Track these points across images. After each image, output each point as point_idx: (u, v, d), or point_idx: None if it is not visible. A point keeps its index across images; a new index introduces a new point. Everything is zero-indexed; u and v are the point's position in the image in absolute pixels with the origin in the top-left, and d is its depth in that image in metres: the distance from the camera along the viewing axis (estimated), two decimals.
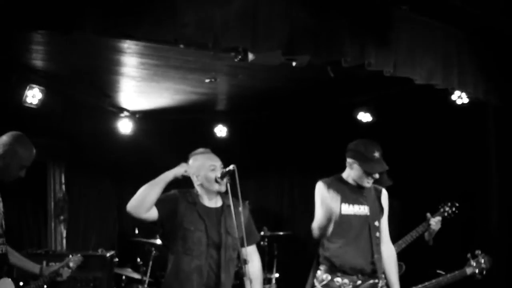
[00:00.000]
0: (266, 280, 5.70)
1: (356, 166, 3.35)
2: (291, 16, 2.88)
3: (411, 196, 4.70)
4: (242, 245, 2.98)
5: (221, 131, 6.70)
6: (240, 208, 3.04)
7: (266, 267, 5.76)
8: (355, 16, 3.12)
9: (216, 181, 3.14)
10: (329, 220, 3.25)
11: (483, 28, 3.74)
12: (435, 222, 3.98)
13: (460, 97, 4.66)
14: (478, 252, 3.71)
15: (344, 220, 3.33)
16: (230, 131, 6.71)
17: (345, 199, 3.35)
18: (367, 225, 3.37)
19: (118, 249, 6.10)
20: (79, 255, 3.62)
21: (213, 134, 6.67)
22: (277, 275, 5.75)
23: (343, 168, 3.49)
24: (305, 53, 2.95)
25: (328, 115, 6.02)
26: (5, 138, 3.05)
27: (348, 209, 3.36)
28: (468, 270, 3.64)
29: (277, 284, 5.72)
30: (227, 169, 3.13)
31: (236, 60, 3.45)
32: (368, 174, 3.33)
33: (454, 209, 4.12)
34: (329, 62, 3.54)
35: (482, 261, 3.67)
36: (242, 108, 6.53)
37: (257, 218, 6.59)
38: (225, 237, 3.13)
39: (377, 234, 3.40)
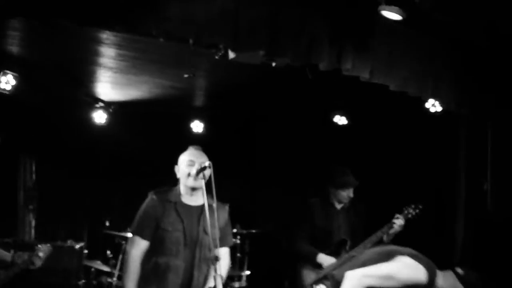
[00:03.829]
0: (237, 277, 5.73)
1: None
2: (274, 18, 2.91)
3: (379, 199, 4.81)
4: (216, 245, 2.99)
5: (197, 126, 6.68)
6: (214, 205, 3.06)
7: (238, 264, 5.79)
8: (336, 21, 3.17)
9: (192, 177, 3.16)
10: None
11: (459, 40, 3.83)
12: (397, 223, 4.09)
13: (433, 105, 4.76)
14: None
15: None
16: (206, 127, 6.70)
17: None
18: None
19: (88, 241, 6.04)
20: (48, 244, 3.57)
21: (189, 129, 6.65)
22: (248, 272, 5.78)
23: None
24: (285, 55, 2.98)
25: (305, 116, 6.07)
26: None
27: None
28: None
29: (248, 281, 5.75)
30: (202, 165, 3.14)
31: (216, 57, 3.45)
32: None
33: (418, 211, 4.22)
34: (308, 65, 3.57)
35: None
36: (219, 105, 6.52)
37: (231, 215, 6.63)
38: (202, 236, 3.14)
39: None
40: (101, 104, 6.23)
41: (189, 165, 3.19)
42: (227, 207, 3.35)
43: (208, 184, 3.09)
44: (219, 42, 2.73)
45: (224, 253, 3.31)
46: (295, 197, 5.41)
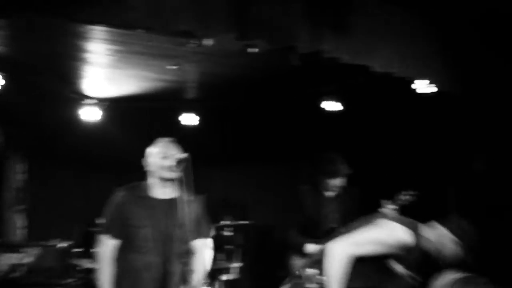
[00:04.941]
0: (228, 269, 5.67)
1: None
2: (244, 0, 2.82)
3: (372, 184, 4.72)
4: (192, 238, 2.91)
5: (189, 119, 6.61)
6: (187, 198, 2.97)
7: (229, 256, 5.73)
8: (313, 1, 3.06)
9: (170, 169, 3.07)
10: None
11: (445, 15, 3.70)
12: (390, 209, 4.02)
13: (426, 87, 4.65)
14: None
15: None
16: (198, 120, 6.62)
17: None
18: None
19: (82, 240, 6.00)
20: (35, 250, 3.51)
21: (181, 122, 6.58)
22: (240, 264, 5.72)
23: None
24: (257, 38, 2.89)
25: (296, 104, 5.99)
26: None
27: None
28: None
29: (241, 273, 5.69)
30: (181, 157, 3.06)
31: (192, 45, 3.36)
32: None
33: (409, 197, 4.15)
34: (288, 48, 3.46)
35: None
36: (211, 96, 6.44)
37: (223, 207, 6.58)
38: (174, 230, 3.02)
39: None
40: (91, 101, 6.17)
41: (164, 157, 3.09)
42: (201, 198, 3.25)
43: (181, 176, 2.99)
44: (187, 28, 2.64)
45: (202, 245, 3.20)
46: (287, 188, 5.33)
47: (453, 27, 3.83)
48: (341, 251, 2.45)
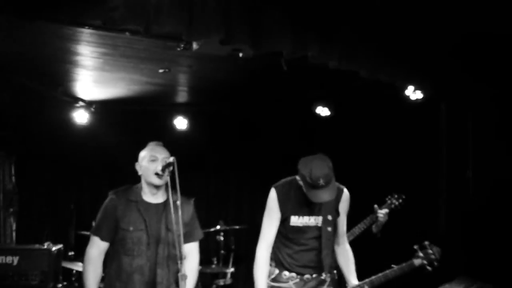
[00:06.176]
0: (222, 274, 5.64)
1: (303, 186, 3.18)
2: (228, 3, 2.79)
3: (362, 189, 4.68)
4: (179, 243, 2.91)
5: (181, 123, 6.58)
6: (178, 202, 2.97)
7: (222, 261, 5.70)
8: (296, 6, 3.04)
9: (156, 174, 3.07)
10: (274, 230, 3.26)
11: (434, 20, 3.68)
12: (382, 214, 4.02)
13: (414, 93, 4.64)
14: (426, 243, 3.52)
15: (293, 230, 3.30)
16: (190, 124, 6.60)
17: (295, 211, 3.26)
18: (319, 231, 3.31)
19: (75, 243, 5.96)
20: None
21: (172, 126, 6.55)
22: (232, 269, 5.69)
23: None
24: (243, 43, 2.86)
25: (287, 109, 5.97)
26: None
27: (298, 221, 3.29)
28: (416, 262, 3.45)
29: (232, 278, 5.66)
30: (167, 161, 3.06)
31: (178, 49, 3.34)
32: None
33: (400, 201, 4.16)
34: (277, 54, 3.44)
35: (431, 251, 3.48)
36: (201, 100, 6.42)
37: (216, 211, 6.54)
38: (165, 234, 3.06)
39: (329, 237, 3.33)
40: (81, 103, 6.14)
41: (152, 160, 3.11)
42: (192, 201, 3.26)
43: (171, 180, 3.00)
44: (171, 30, 2.61)
45: (193, 248, 3.23)
46: None
47: (438, 33, 3.81)
48: None
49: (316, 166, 3.11)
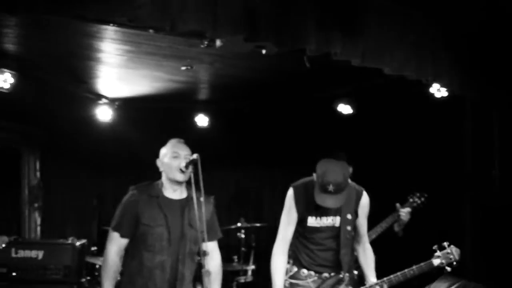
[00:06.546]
0: (242, 272, 5.65)
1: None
2: (253, 1, 2.78)
3: (384, 188, 4.65)
4: (203, 239, 2.90)
5: (202, 120, 6.61)
6: (202, 199, 2.99)
7: (243, 259, 5.70)
8: (321, 2, 3.02)
9: (181, 170, 3.08)
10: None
11: (458, 18, 3.63)
12: (404, 212, 3.98)
13: (439, 90, 4.58)
14: (445, 243, 3.46)
15: (310, 230, 3.31)
16: (211, 121, 6.62)
17: (312, 211, 3.26)
18: (336, 231, 3.31)
19: (98, 238, 6.03)
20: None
21: (194, 123, 6.58)
22: (253, 266, 5.69)
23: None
24: (267, 40, 2.85)
25: (309, 106, 5.94)
26: None
27: (314, 221, 3.30)
28: (435, 262, 3.39)
29: (253, 275, 5.66)
30: (191, 158, 3.06)
31: (202, 46, 3.35)
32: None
33: (423, 199, 4.11)
34: (300, 51, 3.43)
35: (449, 251, 3.42)
36: (223, 97, 6.43)
37: (236, 209, 6.54)
38: (186, 230, 3.06)
39: (348, 236, 3.33)
40: (104, 100, 6.21)
41: (174, 156, 3.12)
42: (212, 199, 3.26)
43: (194, 177, 3.00)
44: (196, 28, 2.61)
45: (214, 247, 3.23)
46: None
47: (463, 29, 3.75)
48: None
49: (331, 171, 3.10)
